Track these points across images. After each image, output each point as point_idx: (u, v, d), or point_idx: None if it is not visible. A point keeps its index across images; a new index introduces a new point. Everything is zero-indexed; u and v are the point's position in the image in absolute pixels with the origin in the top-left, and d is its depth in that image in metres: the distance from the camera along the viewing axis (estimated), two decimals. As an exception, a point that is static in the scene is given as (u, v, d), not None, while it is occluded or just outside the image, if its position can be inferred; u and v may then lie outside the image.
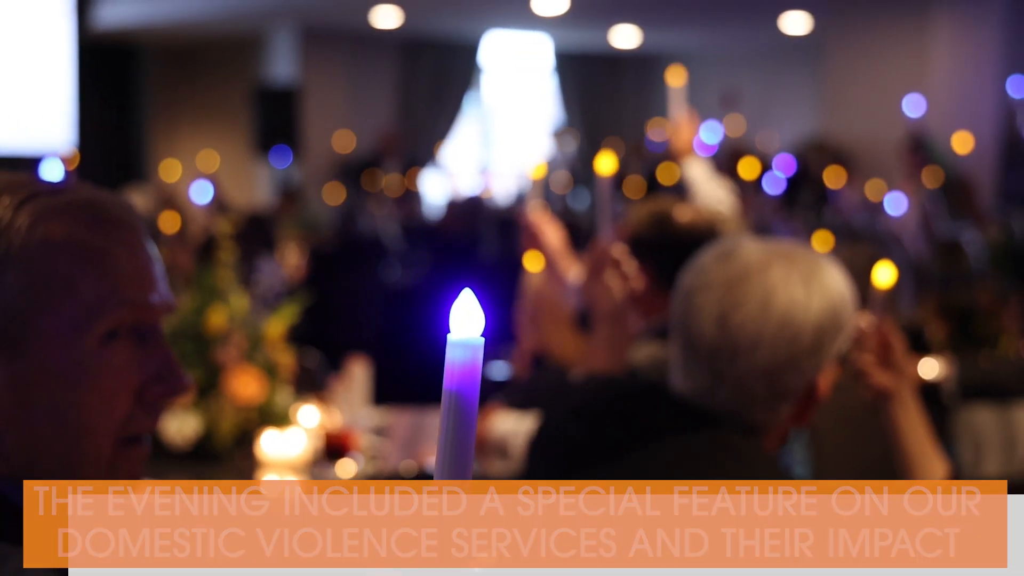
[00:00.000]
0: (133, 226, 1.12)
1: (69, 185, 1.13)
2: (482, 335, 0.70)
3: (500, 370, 3.94)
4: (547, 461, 1.63)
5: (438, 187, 12.37)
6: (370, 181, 10.16)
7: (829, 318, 1.55)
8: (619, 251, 2.07)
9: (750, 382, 1.53)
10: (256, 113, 11.03)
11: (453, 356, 0.70)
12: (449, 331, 0.70)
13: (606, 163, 2.14)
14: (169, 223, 4.57)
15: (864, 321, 1.82)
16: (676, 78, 3.42)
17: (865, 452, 2.80)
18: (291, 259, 6.43)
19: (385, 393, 3.92)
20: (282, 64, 12.02)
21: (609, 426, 1.58)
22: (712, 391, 1.56)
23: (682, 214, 2.52)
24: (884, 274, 1.89)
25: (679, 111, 3.43)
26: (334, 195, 10.12)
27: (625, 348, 2.08)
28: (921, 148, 8.18)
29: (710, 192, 3.30)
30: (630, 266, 2.06)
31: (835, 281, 1.58)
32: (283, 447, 3.07)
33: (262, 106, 11.02)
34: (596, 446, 1.57)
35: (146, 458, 1.12)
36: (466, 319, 0.70)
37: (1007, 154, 9.64)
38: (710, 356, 1.55)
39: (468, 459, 0.70)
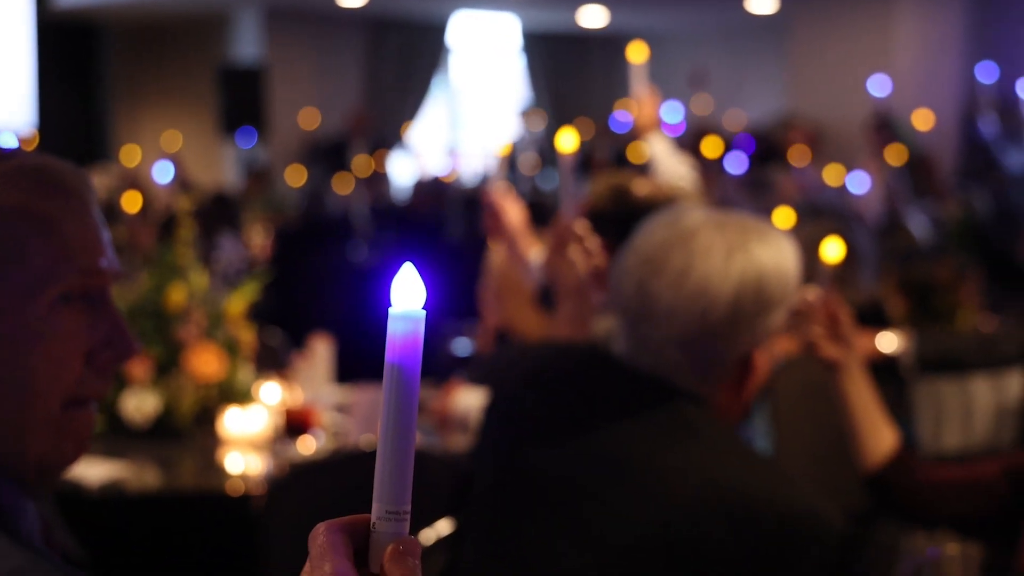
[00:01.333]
0: (81, 193, 1.12)
1: (17, 151, 1.12)
2: (424, 307, 0.70)
3: (464, 346, 3.95)
4: (501, 428, 1.63)
5: (406, 168, 12.32)
6: (337, 162, 10.11)
7: (752, 291, 1.51)
8: (582, 227, 2.07)
9: (668, 350, 1.52)
10: (221, 93, 10.93)
11: (395, 329, 0.70)
12: (390, 304, 0.70)
13: (567, 140, 2.15)
14: (131, 202, 4.54)
15: (812, 294, 1.84)
16: (638, 55, 3.42)
17: (826, 426, 2.83)
18: (256, 239, 6.40)
19: (349, 371, 3.92)
20: (247, 44, 11.92)
21: (563, 395, 1.58)
22: (636, 356, 1.55)
23: (640, 188, 2.53)
24: (832, 249, 1.91)
25: (641, 88, 3.44)
26: (299, 176, 10.07)
27: (588, 324, 2.08)
28: (886, 127, 8.25)
29: (671, 168, 3.31)
30: (593, 242, 2.07)
31: (770, 254, 1.53)
32: (244, 424, 3.07)
33: (227, 86, 10.93)
34: (552, 417, 1.56)
35: (94, 422, 1.12)
36: (407, 292, 0.70)
37: (968, 135, 9.73)
38: (632, 321, 1.55)
39: (411, 431, 0.70)
